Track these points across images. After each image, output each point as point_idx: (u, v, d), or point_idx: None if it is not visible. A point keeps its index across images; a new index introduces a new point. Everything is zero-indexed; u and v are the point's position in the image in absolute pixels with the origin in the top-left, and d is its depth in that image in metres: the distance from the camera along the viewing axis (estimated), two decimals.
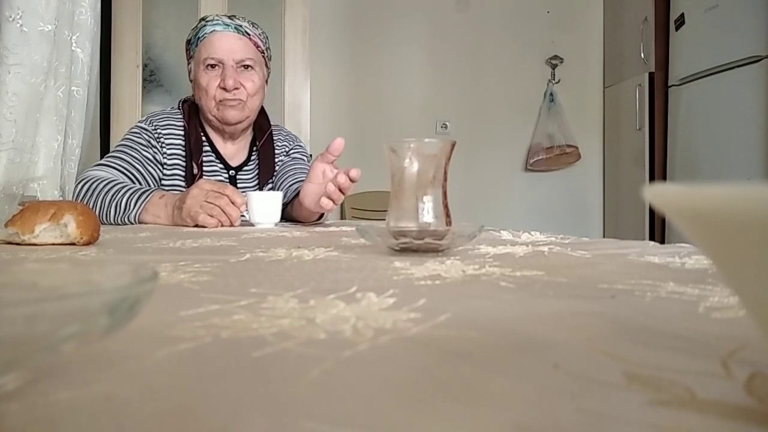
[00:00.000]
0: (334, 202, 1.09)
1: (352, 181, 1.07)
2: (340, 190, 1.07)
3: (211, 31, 1.37)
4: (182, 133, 1.41)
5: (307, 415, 0.17)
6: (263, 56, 1.44)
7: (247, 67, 1.38)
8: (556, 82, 3.25)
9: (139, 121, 1.43)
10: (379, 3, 3.08)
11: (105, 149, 2.44)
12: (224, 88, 1.35)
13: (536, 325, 0.29)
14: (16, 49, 1.22)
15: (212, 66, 1.36)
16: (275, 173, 1.50)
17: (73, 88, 1.45)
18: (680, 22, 2.70)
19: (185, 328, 0.27)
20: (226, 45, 1.36)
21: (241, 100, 1.37)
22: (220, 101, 1.36)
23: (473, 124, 3.16)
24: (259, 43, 1.42)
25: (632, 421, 0.17)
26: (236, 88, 1.36)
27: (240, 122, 1.40)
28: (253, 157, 1.49)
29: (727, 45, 2.44)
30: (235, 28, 1.38)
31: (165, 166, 1.38)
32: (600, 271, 0.48)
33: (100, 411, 0.17)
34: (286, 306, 0.32)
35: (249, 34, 1.40)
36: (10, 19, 1.21)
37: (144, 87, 2.64)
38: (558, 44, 3.28)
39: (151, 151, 1.37)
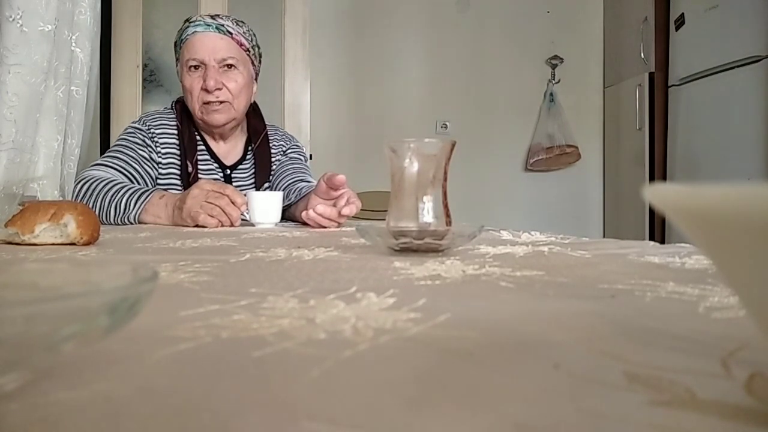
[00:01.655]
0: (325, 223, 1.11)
1: (341, 214, 1.11)
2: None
3: (193, 32, 1.37)
4: (176, 132, 1.41)
5: (307, 415, 0.17)
6: (248, 54, 1.42)
7: (230, 66, 1.37)
8: (556, 82, 3.25)
9: (132, 122, 1.43)
10: (379, 3, 3.08)
11: (105, 149, 2.44)
12: (206, 90, 1.35)
13: (536, 325, 0.29)
14: (16, 49, 1.22)
15: (195, 67, 1.36)
16: (272, 173, 1.50)
17: (72, 88, 1.45)
18: (680, 22, 2.70)
19: (185, 328, 0.27)
20: (207, 45, 1.36)
21: (224, 101, 1.37)
22: (204, 104, 1.36)
23: (473, 124, 3.16)
24: (243, 41, 1.40)
25: (632, 421, 0.17)
26: (218, 89, 1.35)
27: (226, 124, 1.40)
28: (248, 157, 1.49)
29: (727, 45, 2.44)
30: (216, 27, 1.37)
31: (160, 166, 1.39)
32: (600, 271, 0.48)
33: (100, 411, 0.17)
34: (286, 306, 0.32)
35: (231, 33, 1.38)
36: (10, 19, 1.21)
37: (144, 87, 2.64)
38: (558, 44, 3.28)
39: (146, 150, 1.37)
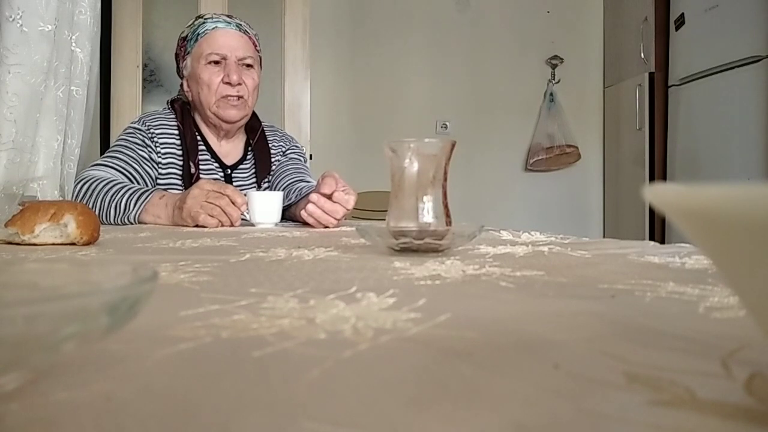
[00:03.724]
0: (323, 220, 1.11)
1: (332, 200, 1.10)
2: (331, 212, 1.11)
3: (213, 28, 1.39)
4: (176, 132, 1.41)
5: (307, 415, 0.17)
6: (259, 56, 1.46)
7: (248, 65, 1.40)
8: (556, 82, 3.25)
9: (131, 123, 1.44)
10: (379, 3, 3.08)
11: (105, 149, 2.43)
12: (228, 83, 1.36)
13: (536, 325, 0.29)
14: (16, 49, 1.22)
15: (215, 62, 1.37)
16: (272, 172, 1.50)
17: (73, 88, 1.45)
18: (680, 22, 2.70)
19: (185, 328, 0.27)
20: (230, 42, 1.38)
21: (242, 97, 1.39)
22: (222, 98, 1.37)
23: (473, 124, 3.16)
24: (256, 42, 1.45)
25: (632, 421, 0.17)
26: (239, 84, 1.38)
27: (239, 120, 1.42)
28: (248, 157, 1.49)
29: (727, 45, 2.44)
30: (236, 25, 1.41)
31: (160, 166, 1.39)
32: (600, 271, 0.48)
33: (100, 411, 0.17)
34: (286, 306, 0.32)
35: (248, 33, 1.43)
36: (10, 19, 1.21)
37: (144, 87, 2.64)
38: (558, 44, 3.28)
39: (146, 150, 1.37)
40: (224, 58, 1.37)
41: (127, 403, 0.18)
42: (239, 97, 1.38)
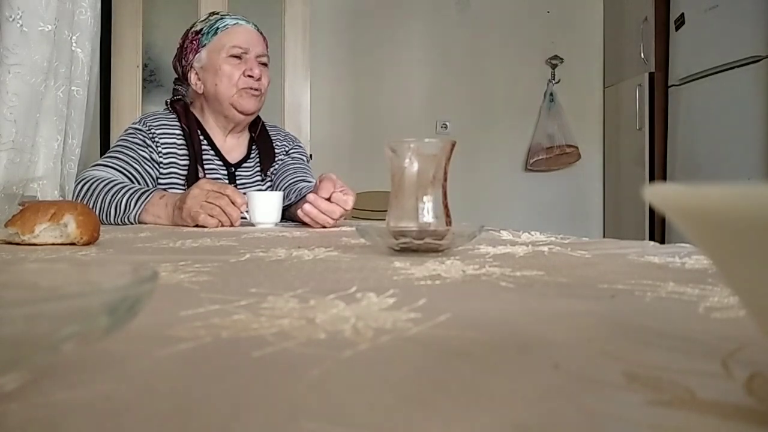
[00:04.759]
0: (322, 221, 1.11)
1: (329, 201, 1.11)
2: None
3: (235, 23, 1.43)
4: (177, 132, 1.41)
5: (307, 415, 0.17)
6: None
7: (264, 63, 1.44)
8: (556, 82, 3.25)
9: (132, 123, 1.44)
10: (380, 3, 3.08)
11: (105, 149, 2.44)
12: (251, 76, 1.39)
13: (536, 325, 0.29)
14: (16, 49, 1.22)
15: (237, 55, 1.40)
16: (275, 170, 1.51)
17: (73, 88, 1.45)
18: (680, 22, 2.70)
19: (185, 328, 0.27)
20: (250, 38, 1.42)
21: (260, 90, 1.42)
22: (243, 89, 1.40)
23: (473, 124, 3.16)
24: (267, 44, 1.49)
25: (632, 421, 0.17)
26: (259, 79, 1.41)
27: (254, 113, 1.45)
28: (252, 155, 1.50)
29: (727, 45, 2.43)
30: (254, 25, 1.46)
31: (161, 165, 1.39)
32: (600, 271, 0.48)
33: (100, 411, 0.17)
34: (286, 306, 0.32)
35: (263, 35, 1.47)
36: (10, 19, 1.21)
37: (144, 87, 2.64)
38: (558, 44, 3.27)
39: (147, 150, 1.37)
40: (246, 53, 1.40)
41: (126, 403, 0.18)
42: (258, 90, 1.42)
